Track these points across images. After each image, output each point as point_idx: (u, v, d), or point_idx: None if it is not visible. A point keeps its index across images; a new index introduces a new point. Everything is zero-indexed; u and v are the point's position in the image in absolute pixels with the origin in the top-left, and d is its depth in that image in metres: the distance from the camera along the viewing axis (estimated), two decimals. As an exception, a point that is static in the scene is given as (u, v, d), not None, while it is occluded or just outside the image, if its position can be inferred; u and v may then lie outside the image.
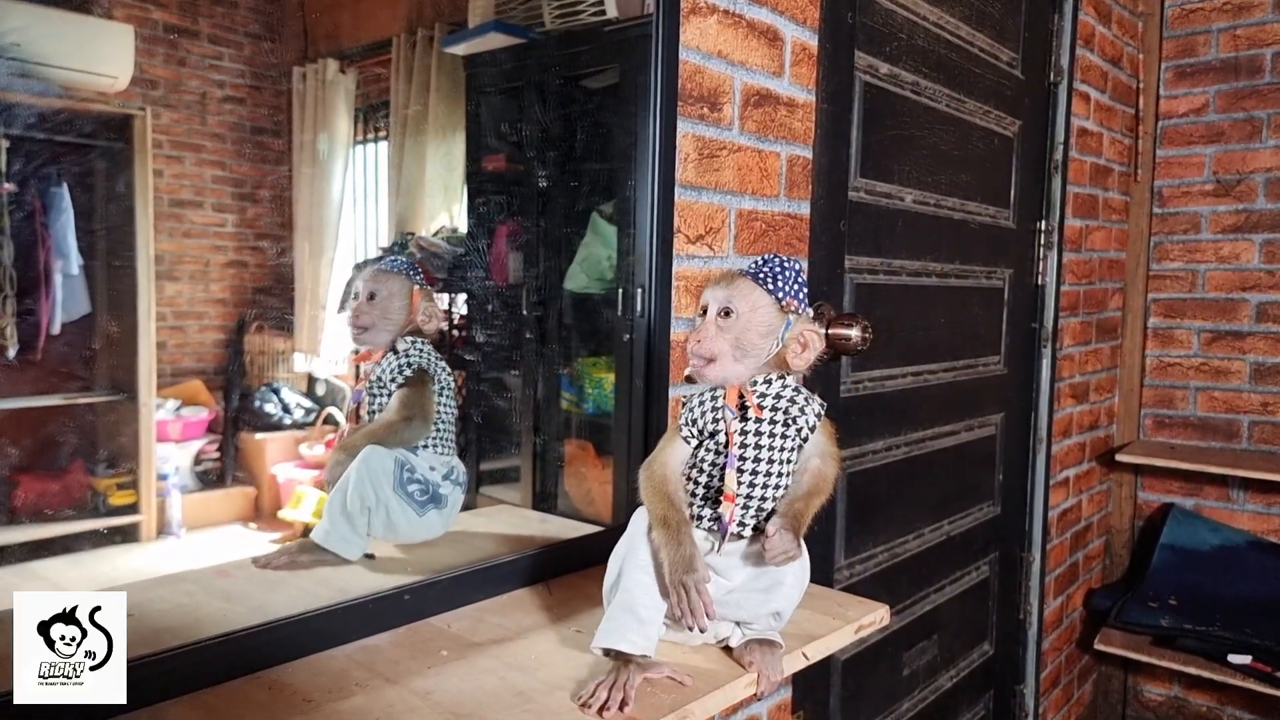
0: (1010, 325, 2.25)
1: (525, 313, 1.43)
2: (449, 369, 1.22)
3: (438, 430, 1.21)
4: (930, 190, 1.87)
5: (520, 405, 1.44)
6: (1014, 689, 2.44)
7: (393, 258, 1.22)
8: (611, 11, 1.31)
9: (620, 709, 0.76)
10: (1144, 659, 2.54)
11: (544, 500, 1.43)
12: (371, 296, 1.16)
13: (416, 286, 1.18)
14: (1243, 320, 2.76)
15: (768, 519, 0.88)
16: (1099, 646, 2.60)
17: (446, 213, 1.43)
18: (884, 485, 1.83)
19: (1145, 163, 2.81)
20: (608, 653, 0.84)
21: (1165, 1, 2.80)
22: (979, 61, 2.00)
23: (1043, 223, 2.33)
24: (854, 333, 1.49)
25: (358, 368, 1.21)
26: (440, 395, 1.21)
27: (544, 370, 1.45)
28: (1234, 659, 2.36)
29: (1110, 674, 2.93)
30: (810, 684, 1.60)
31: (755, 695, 0.86)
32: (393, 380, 1.16)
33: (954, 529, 2.09)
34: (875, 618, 1.02)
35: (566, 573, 1.12)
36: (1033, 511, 2.42)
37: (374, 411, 1.18)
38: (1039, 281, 2.35)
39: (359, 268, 1.39)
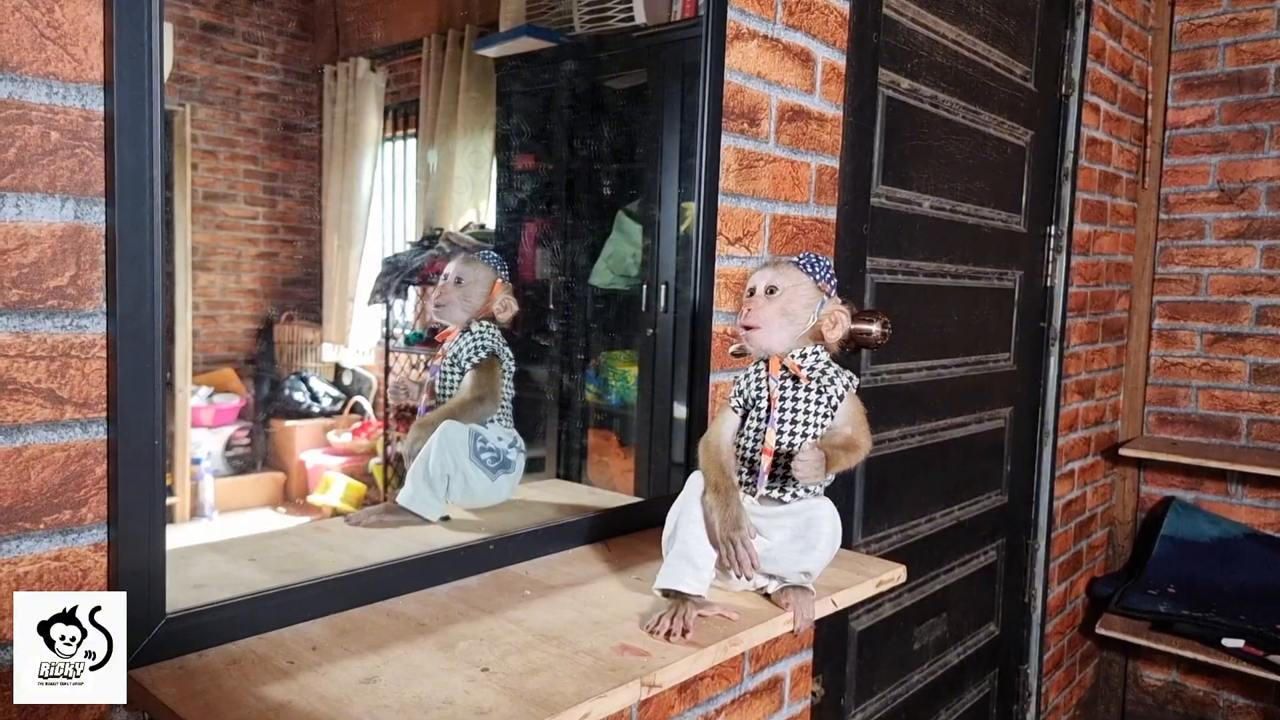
0: (1020, 324, 2.38)
1: (551, 307, 1.50)
2: (511, 354, 1.36)
3: (501, 407, 1.35)
4: (946, 196, 2.01)
5: (545, 396, 1.51)
6: (1018, 668, 2.58)
7: (485, 249, 1.33)
8: (640, 17, 1.39)
9: (682, 635, 0.92)
10: (1143, 643, 2.67)
11: (567, 485, 1.51)
12: (459, 280, 1.29)
13: (499, 279, 1.31)
14: (1243, 323, 2.88)
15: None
16: (1100, 630, 2.73)
17: (474, 209, 1.48)
18: (899, 471, 1.96)
19: (1153, 171, 2.94)
20: (667, 593, 0.99)
21: (1174, 16, 2.92)
22: (994, 75, 2.14)
23: (1052, 227, 2.46)
24: (874, 328, 1.61)
25: (439, 344, 1.33)
26: (505, 376, 1.35)
27: (569, 363, 1.52)
28: (1228, 643, 2.49)
29: (1111, 659, 3.06)
30: (829, 651, 1.74)
31: (791, 632, 1.01)
32: (467, 360, 1.30)
33: (964, 514, 2.23)
34: (893, 575, 1.16)
35: (620, 534, 1.27)
36: (1038, 501, 2.55)
37: (447, 384, 1.32)
38: (1048, 283, 2.48)
39: (389, 261, 1.49)
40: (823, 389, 1.03)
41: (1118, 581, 2.89)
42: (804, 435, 1.02)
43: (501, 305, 1.29)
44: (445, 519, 1.25)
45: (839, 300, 1.05)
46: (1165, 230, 2.99)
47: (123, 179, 0.74)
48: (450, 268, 1.29)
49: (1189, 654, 2.57)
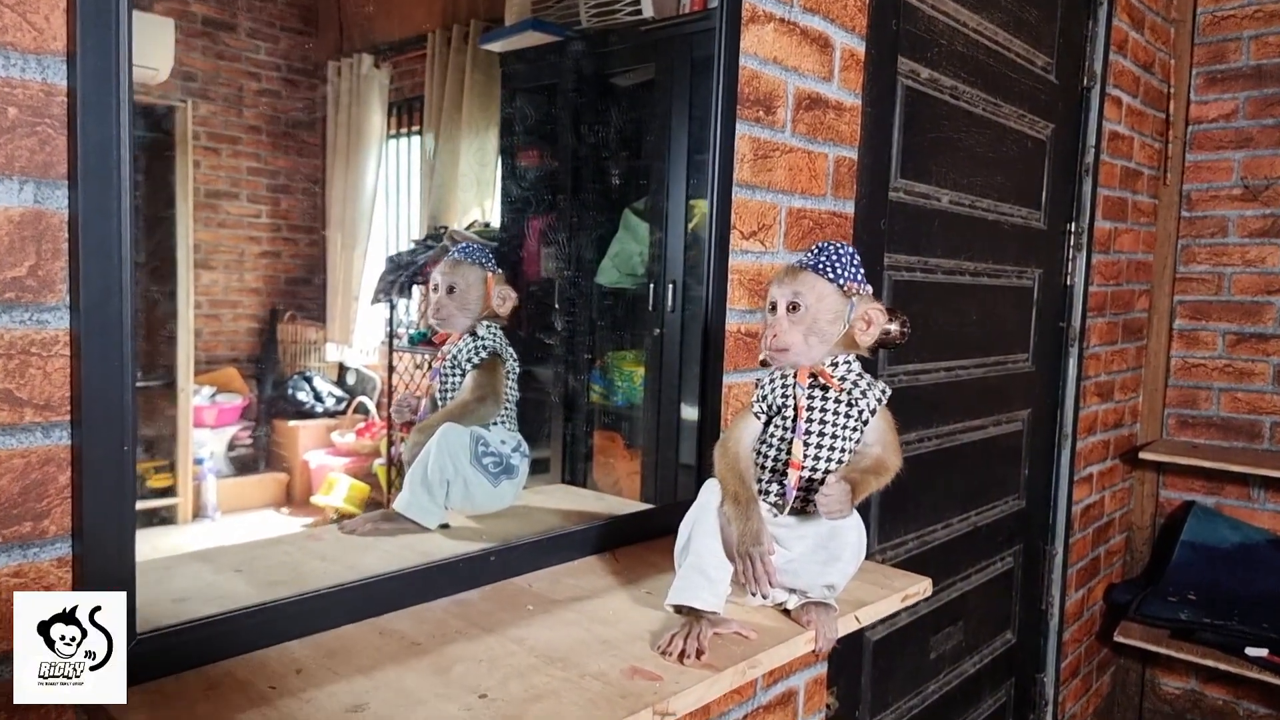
0: (1039, 324, 2.31)
1: (556, 306, 1.46)
2: (515, 354, 1.30)
3: (505, 409, 1.29)
4: (965, 191, 1.94)
5: (550, 397, 1.47)
6: (1035, 677, 2.51)
7: (465, 246, 1.29)
8: (648, 11, 1.35)
9: (696, 657, 0.85)
10: (1162, 651, 2.60)
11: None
12: (451, 289, 1.23)
13: (490, 273, 1.25)
14: (1267, 323, 2.81)
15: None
16: (1118, 638, 2.66)
17: (479, 207, 1.45)
18: (916, 475, 1.90)
19: (1174, 167, 2.86)
20: (680, 609, 0.92)
21: (1197, 8, 2.85)
22: (1015, 66, 2.07)
23: (1073, 224, 2.39)
24: (893, 327, 1.55)
25: (439, 347, 1.28)
26: (508, 377, 1.29)
27: (575, 363, 1.48)
28: (1251, 652, 2.42)
29: (1128, 666, 2.99)
30: (844, 662, 1.68)
31: (813, 652, 0.94)
32: (468, 361, 1.24)
33: (981, 520, 2.16)
34: (919, 589, 1.10)
35: (628, 543, 1.20)
36: (1056, 506, 2.48)
37: (448, 387, 1.26)
38: (1068, 282, 2.41)
39: (393, 259, 1.45)
40: (854, 401, 0.96)
41: (1136, 588, 2.82)
42: (831, 450, 0.95)
43: (500, 298, 1.23)
44: (445, 526, 1.19)
45: (870, 296, 0.98)
46: (1187, 228, 2.92)
47: (87, 160, 0.68)
48: (438, 278, 1.23)
49: (1210, 663, 2.50)
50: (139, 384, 1.23)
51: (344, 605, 0.89)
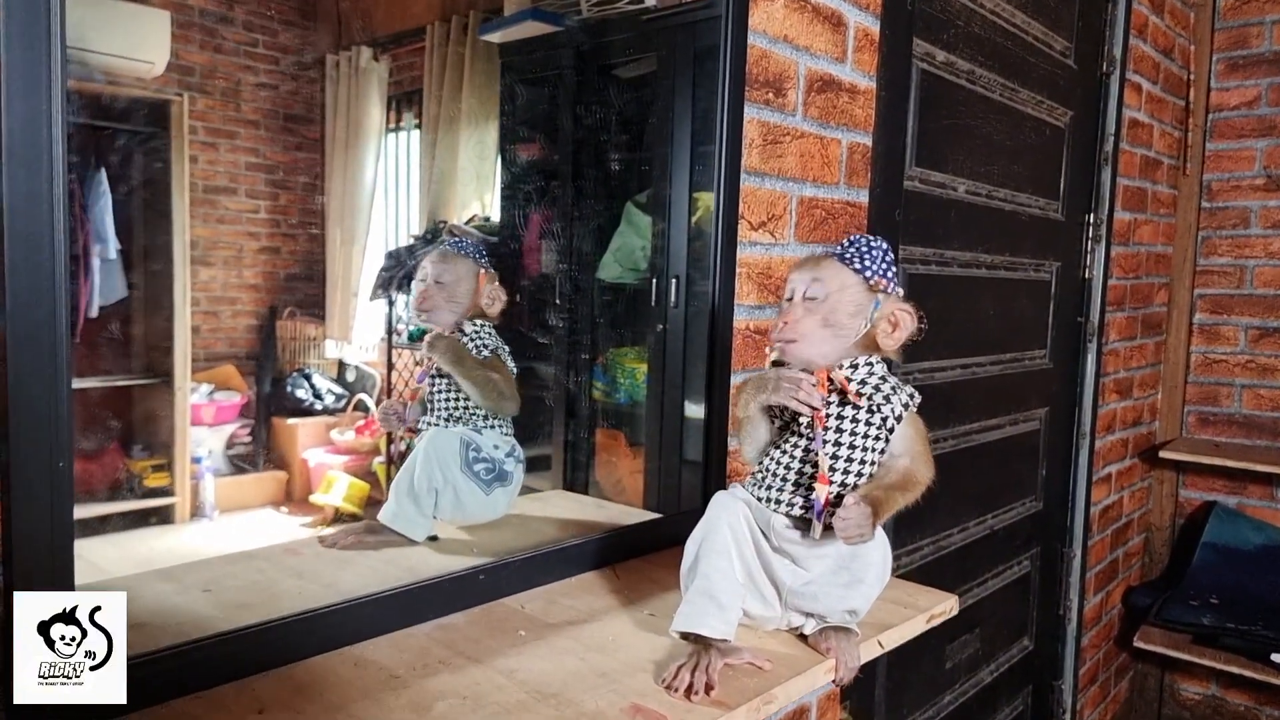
0: (1056, 318, 2.23)
1: (557, 301, 1.43)
2: (510, 351, 1.22)
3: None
4: (982, 181, 1.86)
5: (551, 394, 1.44)
6: (1052, 684, 2.43)
7: (458, 240, 1.23)
8: (650, 0, 1.31)
9: (706, 692, 0.76)
10: (1183, 657, 2.51)
11: (573, 488, 1.43)
12: (439, 281, 1.16)
13: (482, 270, 1.18)
14: (1292, 317, 2.72)
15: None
16: (1138, 644, 2.57)
17: (479, 201, 1.43)
18: (932, 477, 1.82)
19: (1194, 156, 2.77)
20: (686, 636, 0.84)
21: (1218, -8, 2.75)
22: (1033, 50, 1.98)
23: (1091, 215, 2.30)
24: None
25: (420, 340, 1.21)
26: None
27: (575, 359, 1.44)
28: (1277, 658, 2.33)
29: (1147, 672, 2.91)
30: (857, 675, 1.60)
31: (834, 682, 0.86)
32: (468, 360, 1.16)
33: (997, 523, 2.08)
34: (945, 608, 1.02)
35: (630, 557, 1.12)
36: (1074, 507, 2.40)
37: (437, 392, 1.18)
38: (1086, 275, 2.32)
39: (392, 255, 1.40)
40: (876, 407, 0.87)
41: (1156, 591, 2.73)
42: (849, 462, 0.87)
43: (489, 297, 1.16)
44: (433, 539, 1.12)
45: (899, 295, 0.89)
46: (1207, 219, 2.82)
47: (12, 138, 0.60)
48: (427, 268, 1.17)
49: (1233, 669, 2.41)
50: (133, 382, 1.19)
51: (316, 633, 0.81)
